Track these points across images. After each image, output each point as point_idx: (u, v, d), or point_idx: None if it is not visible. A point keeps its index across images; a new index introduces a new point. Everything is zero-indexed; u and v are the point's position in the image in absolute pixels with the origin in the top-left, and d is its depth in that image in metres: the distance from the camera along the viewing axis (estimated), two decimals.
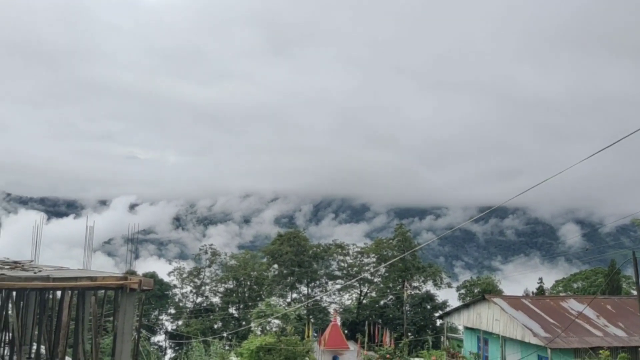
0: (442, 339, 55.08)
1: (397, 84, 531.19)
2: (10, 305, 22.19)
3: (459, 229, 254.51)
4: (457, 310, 48.57)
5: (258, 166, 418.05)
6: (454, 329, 58.01)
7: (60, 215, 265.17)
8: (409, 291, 63.63)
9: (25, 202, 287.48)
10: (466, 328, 46.68)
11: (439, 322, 62.59)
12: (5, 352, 23.26)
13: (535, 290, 66.77)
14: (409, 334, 60.61)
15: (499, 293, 59.84)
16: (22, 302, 22.58)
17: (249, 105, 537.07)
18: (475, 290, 66.00)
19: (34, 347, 23.66)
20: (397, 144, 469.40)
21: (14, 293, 21.72)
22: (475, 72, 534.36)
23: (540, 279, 70.78)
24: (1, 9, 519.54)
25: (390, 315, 64.96)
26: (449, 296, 67.78)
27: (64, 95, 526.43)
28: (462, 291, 68.72)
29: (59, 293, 21.91)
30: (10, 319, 22.82)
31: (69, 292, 20.75)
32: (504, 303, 40.85)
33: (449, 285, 69.14)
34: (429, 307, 64.73)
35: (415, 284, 67.70)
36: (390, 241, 70.46)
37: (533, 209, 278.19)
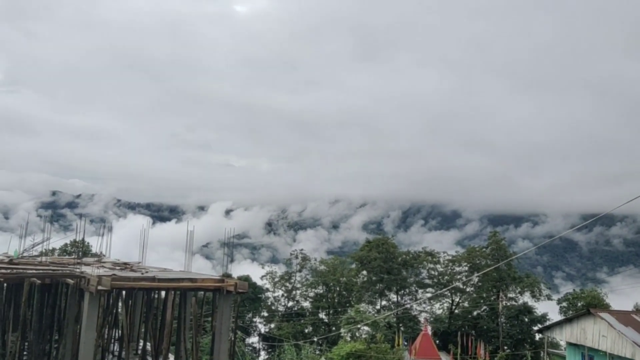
0: (542, 355, 51.97)
1: (492, 85, 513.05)
2: (120, 304, 24.03)
3: (560, 237, 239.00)
4: (558, 324, 45.76)
5: (347, 172, 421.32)
6: (555, 345, 54.67)
7: (163, 219, 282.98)
8: (504, 302, 60.83)
9: (133, 207, 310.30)
10: (569, 344, 43.77)
11: (538, 336, 59.31)
12: (115, 347, 25.16)
13: None
14: (505, 347, 57.85)
15: (605, 307, 55.44)
16: (130, 301, 24.33)
17: (339, 112, 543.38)
18: (579, 304, 61.63)
19: (141, 343, 25.41)
20: (492, 148, 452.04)
21: (124, 292, 23.51)
22: (578, 69, 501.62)
23: None
24: (111, 29, 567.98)
25: (485, 327, 62.54)
26: (548, 309, 63.92)
27: (167, 107, 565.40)
28: (564, 304, 64.44)
29: (163, 293, 23.42)
30: (120, 317, 24.69)
31: (172, 292, 22.10)
32: (611, 318, 37.93)
33: (549, 298, 65.46)
34: (526, 319, 61.52)
35: (511, 294, 64.97)
36: (484, 249, 68.14)
37: None
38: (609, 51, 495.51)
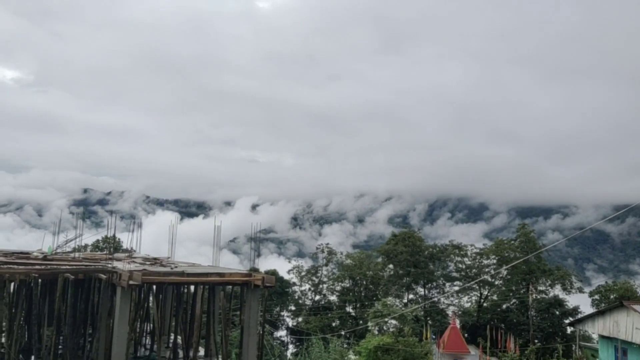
0: (573, 348, 51.05)
1: (518, 74, 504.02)
2: (151, 298, 24.46)
3: (591, 229, 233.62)
4: (590, 317, 44.90)
5: (372, 166, 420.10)
6: (587, 338, 53.65)
7: (191, 215, 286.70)
8: (534, 295, 59.91)
9: (161, 203, 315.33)
10: (601, 337, 42.89)
11: (569, 329, 58.34)
12: (147, 340, 25.63)
13: None
14: (536, 340, 57.02)
15: (639, 299, 54.04)
16: (160, 296, 24.74)
17: (362, 106, 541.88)
18: (612, 296, 60.28)
19: (172, 337, 25.84)
20: (519, 138, 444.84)
21: (154, 287, 23.91)
22: (608, 55, 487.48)
23: None
24: (137, 28, 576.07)
25: (514, 320, 61.80)
26: (580, 302, 62.71)
27: (192, 103, 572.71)
28: (596, 297, 63.12)
29: (192, 287, 23.75)
30: (151, 311, 25.14)
31: (201, 286, 22.39)
32: None
33: (580, 290, 64.23)
34: (557, 313, 60.62)
35: (542, 287, 64.02)
36: (512, 242, 67.29)
37: None
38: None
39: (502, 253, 65.80)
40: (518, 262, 59.05)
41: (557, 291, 63.67)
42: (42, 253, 27.92)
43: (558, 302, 61.12)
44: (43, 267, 21.76)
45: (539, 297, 62.23)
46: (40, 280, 21.47)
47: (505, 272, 65.31)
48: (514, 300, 65.16)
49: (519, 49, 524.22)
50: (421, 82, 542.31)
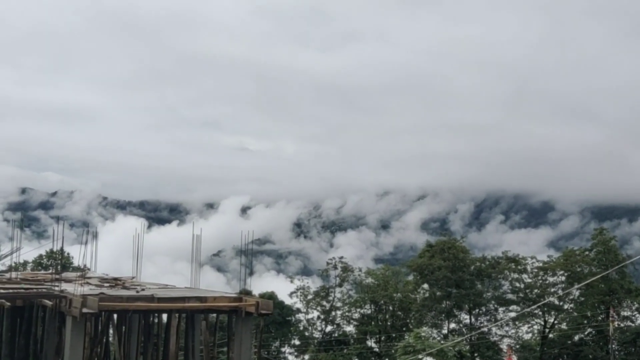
0: None
1: (595, 30, 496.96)
2: (111, 331, 24.66)
3: None
4: None
5: (400, 154, 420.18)
6: None
7: (162, 221, 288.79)
8: (616, 323, 59.80)
9: (123, 206, 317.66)
10: None
11: None
12: None
13: None
14: None
15: None
16: (124, 327, 24.92)
17: (386, 73, 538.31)
18: None
19: None
20: (595, 117, 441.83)
21: (115, 316, 24.10)
22: None
23: None
24: None
25: (590, 356, 62.07)
26: None
27: (162, 74, 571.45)
28: None
29: (165, 316, 23.90)
30: (111, 347, 25.35)
31: (177, 315, 22.54)
32: None
33: None
34: None
35: (626, 312, 64.18)
36: (587, 253, 67.22)
37: None
38: None
39: (574, 267, 65.69)
40: (595, 280, 58.86)
41: None
42: None
43: None
44: None
45: (622, 325, 62.19)
46: None
47: (577, 293, 65.32)
48: (589, 330, 65.23)
49: None
50: (464, 41, 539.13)
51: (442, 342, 55.50)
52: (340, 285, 72.52)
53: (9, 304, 20.91)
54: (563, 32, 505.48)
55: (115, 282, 27.62)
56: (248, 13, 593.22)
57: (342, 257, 76.06)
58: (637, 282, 67.12)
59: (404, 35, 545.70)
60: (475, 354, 62.37)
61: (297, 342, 70.67)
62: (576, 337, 65.91)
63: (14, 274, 28.39)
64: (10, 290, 22.61)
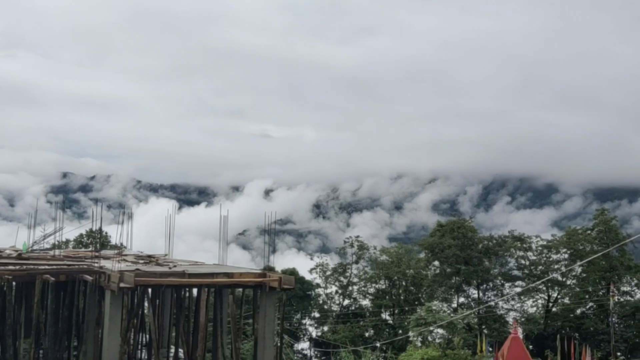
0: None
1: (601, 20, 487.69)
2: (146, 304, 24.93)
3: None
4: None
5: (412, 140, 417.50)
6: None
7: (191, 203, 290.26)
8: (616, 297, 59.40)
9: (155, 189, 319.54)
10: None
11: None
12: (143, 355, 26.19)
13: None
14: (618, 353, 56.65)
15: None
16: (157, 301, 25.19)
17: (401, 64, 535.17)
18: None
19: (172, 350, 26.37)
20: (598, 102, 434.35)
21: (150, 290, 24.36)
22: None
23: None
24: None
25: (591, 329, 61.67)
26: None
27: (192, 67, 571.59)
28: None
29: (195, 291, 24.13)
30: (146, 319, 25.65)
31: (206, 289, 22.73)
32: None
33: None
34: None
35: (626, 288, 63.87)
36: (589, 232, 66.78)
37: None
38: None
39: (576, 246, 65.36)
40: (596, 257, 58.51)
41: None
42: (16, 251, 28.65)
43: None
44: (17, 267, 22.31)
45: (622, 299, 61.89)
46: (14, 283, 22.03)
47: (579, 270, 65.02)
48: (590, 304, 64.93)
49: None
50: (475, 32, 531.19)
51: (451, 315, 55.52)
52: (356, 262, 72.80)
53: (53, 279, 21.23)
54: (569, 24, 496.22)
55: (150, 259, 27.88)
56: (271, 8, 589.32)
57: (358, 236, 76.23)
58: (637, 260, 66.58)
59: (416, 28, 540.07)
60: (483, 326, 62.34)
61: (316, 315, 71.11)
62: (578, 311, 65.69)
63: (57, 252, 28.77)
64: (54, 267, 22.94)
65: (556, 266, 67.16)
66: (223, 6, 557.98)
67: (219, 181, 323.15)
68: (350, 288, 71.83)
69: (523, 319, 65.26)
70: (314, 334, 69.68)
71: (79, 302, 22.55)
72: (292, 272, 63.97)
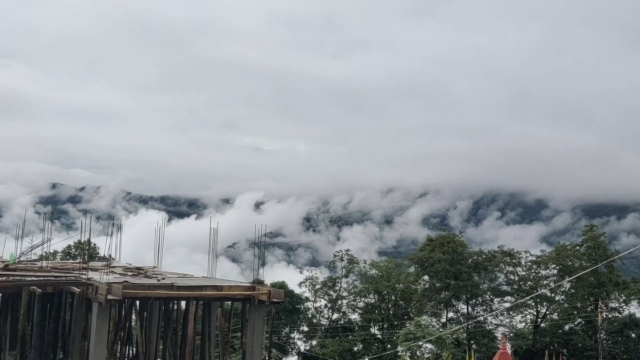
0: None
1: (590, 39, 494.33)
2: (133, 317, 24.79)
3: None
4: None
5: (404, 154, 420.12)
6: None
7: (181, 215, 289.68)
8: (604, 314, 59.56)
9: (145, 201, 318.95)
10: None
11: None
12: None
13: None
14: None
15: None
16: (145, 313, 25.07)
17: (393, 79, 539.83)
18: None
19: None
20: (589, 120, 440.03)
21: (137, 303, 24.22)
22: None
23: None
24: None
25: (579, 345, 61.63)
26: None
27: (184, 79, 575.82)
28: None
29: (183, 304, 24.02)
30: (133, 331, 25.49)
31: (194, 302, 22.64)
32: None
33: None
34: (633, 335, 60.47)
35: (614, 304, 63.68)
36: (577, 248, 66.87)
37: None
38: None
39: (565, 261, 65.37)
40: (584, 273, 58.62)
41: (634, 308, 63.32)
42: (3, 262, 28.42)
43: (634, 323, 60.76)
44: (4, 278, 22.15)
45: (610, 316, 61.88)
46: (0, 294, 21.85)
47: (568, 285, 64.94)
48: (579, 320, 64.85)
49: (594, 8, 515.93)
50: (467, 50, 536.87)
51: (440, 330, 55.46)
52: (346, 276, 72.61)
53: (40, 290, 21.08)
54: (560, 41, 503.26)
55: (138, 271, 27.75)
56: (264, 22, 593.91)
57: (348, 250, 76.09)
58: (625, 276, 66.80)
59: (409, 43, 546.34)
60: (472, 342, 62.20)
61: (305, 329, 70.78)
62: (567, 327, 65.48)
63: (44, 263, 28.58)
64: (42, 278, 22.79)
65: (545, 282, 67.09)
66: (217, 19, 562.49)
67: (210, 193, 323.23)
68: (339, 302, 71.60)
69: (512, 335, 65.21)
70: (302, 348, 69.31)
71: (65, 314, 22.40)
72: (282, 286, 63.70)
